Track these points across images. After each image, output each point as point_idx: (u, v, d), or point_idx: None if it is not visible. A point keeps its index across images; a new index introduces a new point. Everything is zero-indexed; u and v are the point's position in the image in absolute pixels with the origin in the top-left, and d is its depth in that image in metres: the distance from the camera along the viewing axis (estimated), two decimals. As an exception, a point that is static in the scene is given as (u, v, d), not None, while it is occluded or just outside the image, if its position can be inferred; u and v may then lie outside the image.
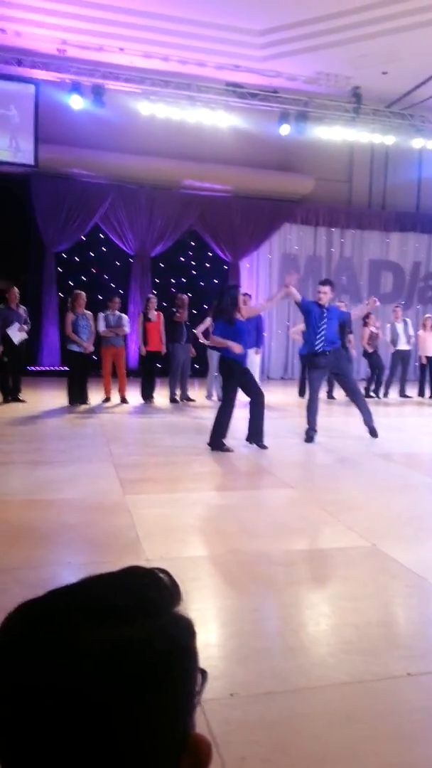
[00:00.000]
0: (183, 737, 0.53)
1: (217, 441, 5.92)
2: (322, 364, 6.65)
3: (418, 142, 12.59)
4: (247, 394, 6.18)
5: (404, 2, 9.14)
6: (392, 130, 12.49)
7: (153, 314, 9.39)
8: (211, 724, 1.90)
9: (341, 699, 2.06)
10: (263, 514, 4.06)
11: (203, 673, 0.57)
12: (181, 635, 0.53)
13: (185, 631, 0.54)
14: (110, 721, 0.48)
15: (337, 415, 9.30)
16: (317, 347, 6.57)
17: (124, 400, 9.02)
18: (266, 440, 6.04)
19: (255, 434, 6.10)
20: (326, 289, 6.71)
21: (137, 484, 4.59)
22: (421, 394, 11.09)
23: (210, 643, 2.38)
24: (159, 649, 0.51)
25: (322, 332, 6.53)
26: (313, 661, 2.28)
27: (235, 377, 6.10)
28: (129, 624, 0.51)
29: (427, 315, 11.68)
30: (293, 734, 1.88)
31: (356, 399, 6.87)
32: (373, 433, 6.70)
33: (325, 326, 6.54)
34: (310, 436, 6.52)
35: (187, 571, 3.02)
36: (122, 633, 0.50)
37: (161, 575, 0.58)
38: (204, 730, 1.86)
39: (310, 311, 6.62)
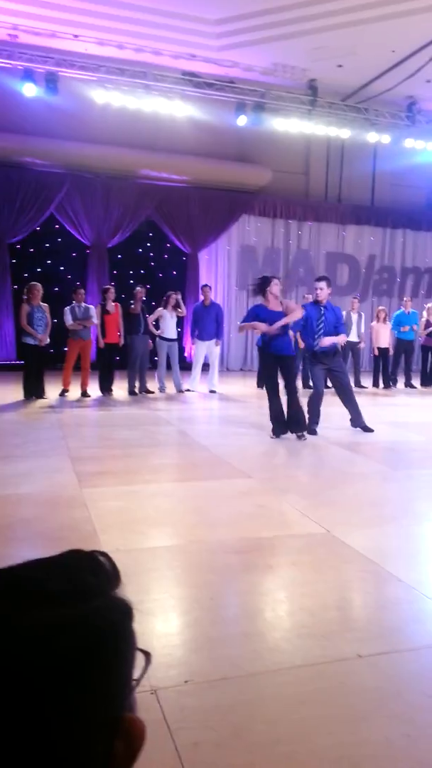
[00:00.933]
0: (116, 720, 0.53)
1: (309, 427, 6.41)
2: (323, 361, 6.73)
3: (372, 137, 12.76)
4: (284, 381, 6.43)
5: (359, -4, 9.24)
6: (348, 124, 12.63)
7: (111, 306, 9.30)
8: (166, 711, 1.91)
9: (295, 682, 2.10)
10: (221, 504, 4.08)
11: (147, 655, 0.58)
12: (114, 617, 0.53)
13: (120, 613, 0.54)
14: (43, 703, 0.48)
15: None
16: (316, 347, 6.64)
17: (85, 394, 8.92)
18: (226, 430, 6.08)
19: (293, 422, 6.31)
20: (323, 284, 6.69)
21: (94, 478, 4.55)
22: (375, 384, 11.31)
23: (166, 633, 2.39)
24: (91, 630, 0.51)
25: (320, 332, 6.60)
26: (268, 646, 2.31)
27: (267, 365, 6.58)
28: (63, 606, 0.51)
29: (381, 307, 11.91)
30: (247, 719, 1.91)
31: (346, 397, 6.89)
32: (366, 429, 6.78)
33: (323, 325, 6.60)
34: (312, 429, 6.55)
35: (145, 563, 3.03)
36: (55, 614, 0.50)
37: (101, 558, 0.58)
38: (158, 718, 1.88)
39: (308, 317, 6.67)
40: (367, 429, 6.80)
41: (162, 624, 2.46)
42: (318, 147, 14.04)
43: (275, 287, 6.34)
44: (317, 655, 2.25)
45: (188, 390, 10.13)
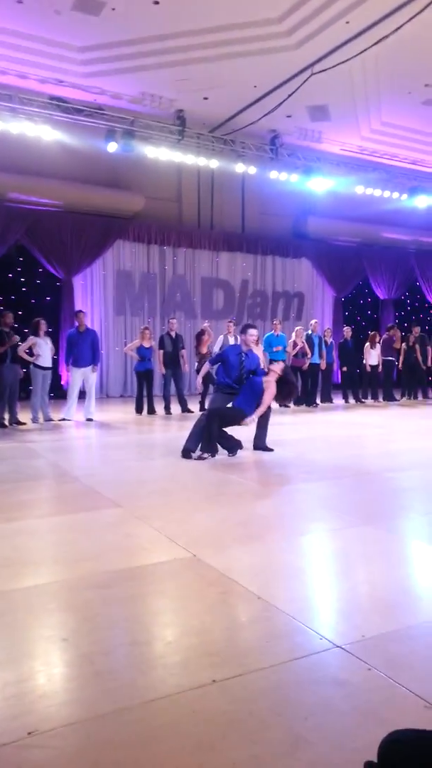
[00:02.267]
0: None
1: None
2: (229, 393, 6.99)
3: (240, 167, 13.29)
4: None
5: (222, 32, 9.66)
6: (216, 154, 13.07)
7: (-24, 334, 8.85)
8: (3, 771, 1.78)
9: (147, 718, 2.04)
10: (87, 537, 3.95)
11: None
12: None
13: None
14: None
15: (170, 430, 9.42)
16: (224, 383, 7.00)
17: None
18: (100, 459, 5.93)
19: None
20: (254, 332, 7.18)
21: None
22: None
23: (11, 682, 2.24)
24: None
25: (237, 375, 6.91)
26: (121, 683, 2.24)
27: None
28: None
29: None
30: (92, 764, 1.82)
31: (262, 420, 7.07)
32: (267, 449, 7.06)
33: (244, 369, 6.94)
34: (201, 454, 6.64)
35: (-4, 607, 2.85)
36: None
37: None
38: (-6, 779, 1.74)
39: (230, 361, 6.98)
40: (267, 449, 7.04)
41: (9, 673, 2.30)
42: (189, 175, 14.40)
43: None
44: (171, 686, 2.21)
45: (64, 419, 9.84)
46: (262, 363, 7.76)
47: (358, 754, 1.75)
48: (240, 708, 2.09)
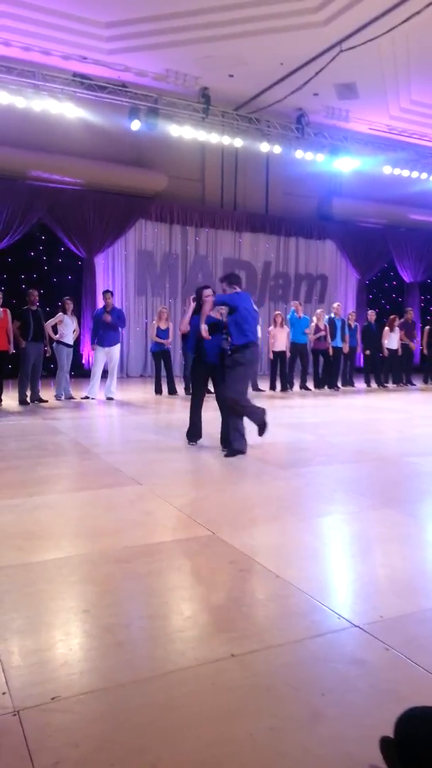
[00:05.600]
0: None
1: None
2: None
3: (264, 146, 13.11)
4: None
5: (249, 8, 9.48)
6: (240, 133, 12.91)
7: (-1, 311, 8.94)
8: (27, 733, 1.83)
9: (165, 688, 2.08)
10: (107, 513, 4.00)
11: None
12: None
13: None
14: None
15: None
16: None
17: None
18: (121, 438, 5.98)
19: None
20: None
21: (-27, 492, 4.33)
22: (272, 387, 11.60)
23: (36, 649, 2.29)
24: None
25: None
26: (141, 654, 2.28)
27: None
28: None
29: (278, 311, 12.23)
30: (113, 731, 1.86)
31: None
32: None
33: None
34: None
35: (19, 579, 2.91)
36: None
37: None
38: (18, 741, 1.80)
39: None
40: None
41: (32, 641, 2.35)
42: (213, 154, 14.26)
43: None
44: (190, 659, 2.24)
45: (87, 398, 9.93)
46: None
47: (375, 730, 1.77)
48: (258, 682, 2.11)
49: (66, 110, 11.26)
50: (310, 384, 12.13)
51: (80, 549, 3.32)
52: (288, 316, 11.84)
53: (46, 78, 10.99)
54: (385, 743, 1.66)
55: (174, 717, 1.93)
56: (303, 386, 11.93)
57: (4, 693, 2.03)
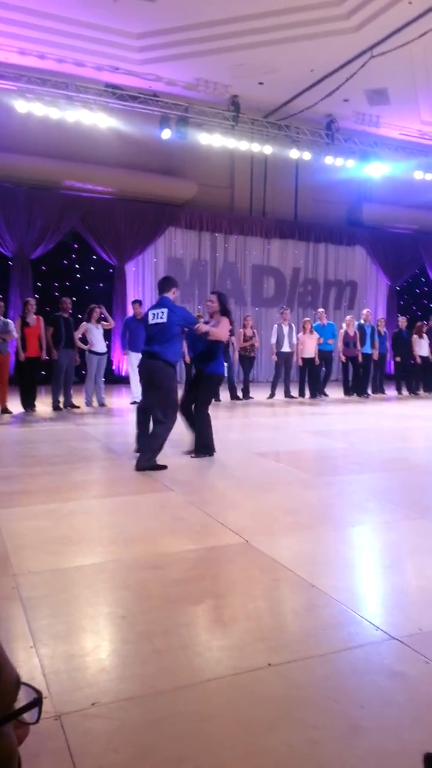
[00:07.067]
0: None
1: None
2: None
3: (294, 153, 13.11)
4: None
5: (279, 16, 9.52)
6: (270, 140, 12.93)
7: (32, 318, 9.09)
8: (69, 737, 1.85)
9: (204, 697, 2.08)
10: (140, 519, 4.03)
11: (38, 694, 0.70)
12: None
13: None
14: None
15: (219, 417, 9.46)
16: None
17: (5, 411, 8.66)
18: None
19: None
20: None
21: (10, 497, 4.40)
22: (301, 394, 11.55)
23: (75, 654, 2.32)
24: None
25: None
26: (179, 662, 2.29)
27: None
28: None
29: (307, 318, 12.17)
30: (153, 738, 1.88)
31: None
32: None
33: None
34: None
35: (57, 584, 2.95)
36: None
37: None
38: (61, 745, 1.82)
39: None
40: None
41: (70, 646, 2.39)
42: (242, 161, 14.30)
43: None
44: (227, 667, 2.25)
45: (135, 402, 9.99)
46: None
47: (417, 745, 1.75)
48: (296, 693, 2.11)
49: (98, 120, 11.43)
50: (327, 391, 12.02)
51: (115, 554, 3.35)
52: (313, 324, 11.76)
53: (79, 89, 11.18)
54: (429, 759, 1.64)
55: (213, 726, 1.94)
56: (321, 392, 11.80)
57: (45, 697, 2.05)
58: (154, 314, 5.65)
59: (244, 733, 1.90)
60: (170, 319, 5.51)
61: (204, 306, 6.21)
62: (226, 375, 6.80)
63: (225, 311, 6.18)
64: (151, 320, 5.63)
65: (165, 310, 5.57)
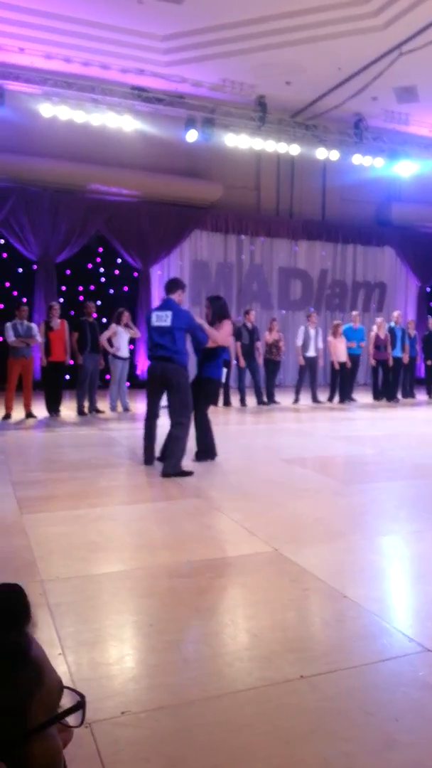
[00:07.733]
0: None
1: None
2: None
3: (321, 153, 12.99)
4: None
5: (306, 15, 9.45)
6: (297, 140, 12.84)
7: (56, 323, 9.13)
8: (100, 745, 1.84)
9: (234, 707, 2.05)
10: (168, 526, 4.01)
11: (81, 697, 0.72)
12: None
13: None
14: None
15: (245, 422, 9.41)
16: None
17: (30, 415, 8.72)
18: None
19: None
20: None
21: (37, 503, 4.42)
22: (330, 399, 11.38)
23: (103, 662, 2.31)
24: None
25: None
26: (209, 671, 2.26)
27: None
28: None
29: (337, 321, 12.00)
30: (184, 748, 1.85)
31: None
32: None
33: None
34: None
35: (84, 591, 2.94)
36: None
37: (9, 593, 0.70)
38: (92, 752, 1.81)
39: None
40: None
41: (99, 654, 2.38)
42: (268, 162, 14.23)
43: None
44: (258, 678, 2.21)
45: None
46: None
47: (456, 764, 1.69)
48: (329, 705, 2.06)
49: (123, 123, 11.48)
50: (355, 395, 11.86)
51: (142, 562, 3.34)
52: (343, 329, 11.61)
53: (105, 92, 11.24)
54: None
55: (244, 737, 1.91)
56: (349, 398, 11.60)
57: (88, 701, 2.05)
58: (158, 316, 5.65)
59: (277, 745, 1.87)
60: (174, 322, 5.52)
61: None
62: (224, 380, 6.77)
63: (224, 315, 6.13)
64: (155, 322, 5.64)
65: (170, 313, 5.57)
